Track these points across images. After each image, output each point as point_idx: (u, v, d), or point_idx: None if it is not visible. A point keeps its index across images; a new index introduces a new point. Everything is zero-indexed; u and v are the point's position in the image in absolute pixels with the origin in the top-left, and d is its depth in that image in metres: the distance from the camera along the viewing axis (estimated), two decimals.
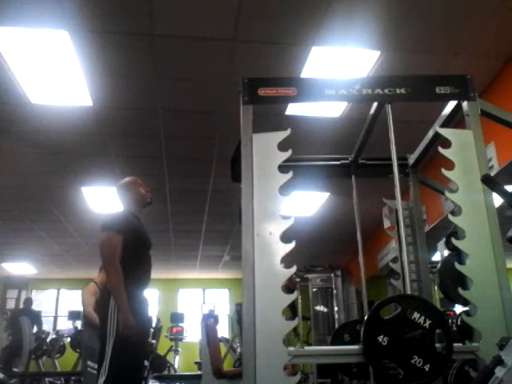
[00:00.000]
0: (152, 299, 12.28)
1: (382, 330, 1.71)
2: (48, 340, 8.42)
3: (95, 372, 4.59)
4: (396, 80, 2.20)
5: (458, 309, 4.52)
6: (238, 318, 7.77)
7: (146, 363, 6.60)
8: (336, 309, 8.27)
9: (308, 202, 6.63)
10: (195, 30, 3.20)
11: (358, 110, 4.02)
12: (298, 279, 8.24)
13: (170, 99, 4.03)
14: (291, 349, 1.76)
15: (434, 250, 4.48)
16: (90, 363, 4.66)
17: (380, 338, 1.69)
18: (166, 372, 7.90)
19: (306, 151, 3.02)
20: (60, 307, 12.10)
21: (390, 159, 2.21)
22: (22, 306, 8.96)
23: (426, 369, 1.67)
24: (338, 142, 4.51)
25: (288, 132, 2.04)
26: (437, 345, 1.71)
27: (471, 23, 3.20)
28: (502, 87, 3.70)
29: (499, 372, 1.31)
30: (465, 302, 1.95)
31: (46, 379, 7.29)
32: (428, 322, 1.71)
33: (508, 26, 3.22)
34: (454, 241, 1.95)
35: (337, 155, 2.96)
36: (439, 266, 2.44)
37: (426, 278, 2.64)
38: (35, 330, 8.11)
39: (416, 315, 1.72)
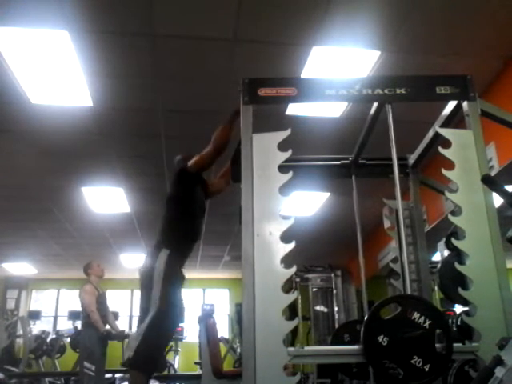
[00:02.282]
0: None
1: (382, 330, 1.71)
2: (48, 340, 8.43)
3: (92, 374, 4.60)
4: (396, 80, 2.20)
5: (458, 309, 4.52)
6: (238, 318, 7.78)
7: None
8: (336, 309, 8.27)
9: (308, 202, 6.63)
10: (195, 29, 3.20)
11: (358, 110, 4.02)
12: (298, 279, 8.24)
13: (170, 99, 4.03)
14: (291, 349, 1.76)
15: (434, 250, 4.48)
16: (86, 364, 4.66)
17: (380, 338, 1.69)
18: (166, 372, 7.90)
19: (306, 151, 3.02)
20: (60, 307, 12.10)
21: (390, 159, 2.21)
22: None
23: (426, 369, 1.67)
24: (338, 142, 4.50)
25: (288, 132, 2.04)
26: (437, 345, 1.71)
27: (471, 23, 3.20)
28: (502, 87, 3.70)
29: (499, 372, 1.31)
30: (465, 302, 1.95)
31: (46, 379, 7.29)
32: (428, 322, 1.71)
33: (508, 25, 3.22)
34: (453, 241, 1.95)
35: (337, 155, 2.96)
36: (439, 266, 2.44)
37: (426, 278, 2.64)
38: None
39: (416, 315, 1.72)
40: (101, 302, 5.06)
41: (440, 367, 1.69)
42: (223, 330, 10.47)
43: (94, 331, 4.82)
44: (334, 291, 8.42)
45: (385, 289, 7.88)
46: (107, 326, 5.00)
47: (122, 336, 5.65)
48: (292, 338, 6.49)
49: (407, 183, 2.81)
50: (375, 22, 3.15)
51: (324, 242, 8.30)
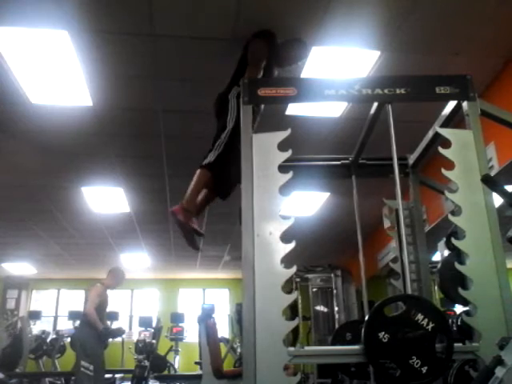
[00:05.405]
0: (152, 299, 12.29)
1: (383, 327, 1.71)
2: (48, 340, 8.43)
3: (90, 373, 4.57)
4: (396, 80, 2.20)
5: (458, 309, 4.53)
6: (238, 318, 7.78)
7: (146, 363, 6.61)
8: (336, 309, 8.28)
9: (308, 202, 6.63)
10: (195, 29, 3.20)
11: (358, 110, 4.02)
12: (298, 279, 8.25)
13: (170, 99, 4.03)
14: (291, 349, 1.76)
15: (434, 250, 4.48)
16: (84, 363, 4.63)
17: (381, 335, 1.69)
18: (166, 372, 7.90)
19: (306, 151, 3.02)
20: (60, 307, 12.10)
21: (390, 159, 2.21)
22: None
23: (424, 371, 1.67)
24: (338, 142, 4.51)
25: (288, 132, 2.04)
26: (437, 345, 1.71)
27: (471, 23, 3.20)
28: (502, 87, 3.70)
29: (499, 372, 1.31)
30: (465, 302, 1.95)
31: (46, 379, 7.29)
32: (431, 325, 1.71)
33: (508, 25, 3.22)
34: (453, 241, 1.95)
35: (337, 155, 2.96)
36: (439, 265, 2.45)
37: (426, 278, 2.64)
38: None
39: (420, 317, 1.72)
40: (103, 304, 5.07)
41: (438, 370, 1.69)
42: (223, 330, 10.46)
43: (90, 329, 4.81)
44: (334, 291, 8.43)
45: (385, 289, 7.88)
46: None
47: (120, 332, 5.67)
48: (293, 338, 6.50)
49: (407, 183, 2.81)
50: (375, 21, 3.15)
51: (324, 241, 8.30)
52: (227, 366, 7.34)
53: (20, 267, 10.50)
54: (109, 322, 5.94)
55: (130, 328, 11.34)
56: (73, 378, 7.36)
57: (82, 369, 4.60)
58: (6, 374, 6.46)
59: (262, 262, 1.85)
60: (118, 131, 4.54)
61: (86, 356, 4.68)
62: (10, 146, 4.78)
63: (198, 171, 2.75)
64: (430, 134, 2.45)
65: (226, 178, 2.71)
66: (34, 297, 12.26)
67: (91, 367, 4.60)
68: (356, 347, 1.79)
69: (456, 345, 1.76)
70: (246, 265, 1.85)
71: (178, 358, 9.46)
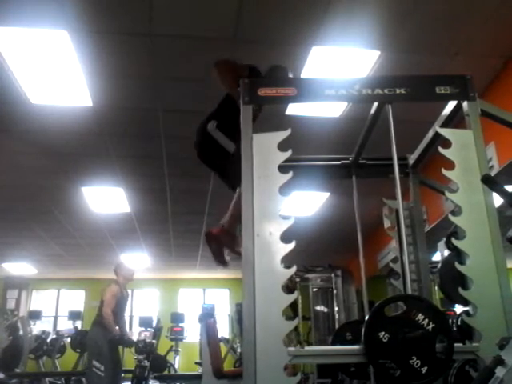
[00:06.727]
0: (152, 299, 12.29)
1: (384, 327, 1.70)
2: (48, 340, 8.43)
3: (101, 373, 4.57)
4: (396, 80, 2.20)
5: (458, 309, 4.52)
6: (238, 318, 7.78)
7: (146, 363, 6.62)
8: (336, 309, 8.27)
9: (308, 202, 6.63)
10: (195, 29, 3.20)
11: (358, 110, 4.02)
12: (298, 279, 8.24)
13: (169, 99, 4.03)
14: (291, 349, 1.76)
15: (434, 250, 4.48)
16: (95, 363, 4.63)
17: (381, 335, 1.69)
18: (166, 372, 7.90)
19: (306, 151, 3.02)
20: (60, 307, 12.10)
21: (390, 159, 2.21)
22: None
23: (423, 371, 1.66)
24: (338, 142, 4.50)
25: (288, 132, 2.03)
26: (437, 345, 1.71)
27: (471, 23, 3.20)
28: (502, 87, 3.70)
29: (499, 372, 1.31)
30: (465, 302, 1.94)
31: (46, 379, 7.29)
32: (431, 326, 1.70)
33: (508, 25, 3.22)
34: (454, 241, 1.95)
35: (337, 155, 2.96)
36: (439, 266, 2.45)
37: (426, 278, 2.64)
38: None
39: (420, 317, 1.71)
40: (120, 304, 4.99)
41: (437, 371, 1.69)
42: (223, 330, 10.47)
43: (102, 331, 4.79)
44: (334, 291, 8.42)
45: (385, 289, 7.88)
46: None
47: (130, 343, 5.67)
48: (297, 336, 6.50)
49: (407, 183, 2.81)
50: (375, 21, 3.15)
51: (324, 242, 8.30)
52: (227, 366, 7.34)
53: (20, 267, 10.50)
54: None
55: (130, 328, 11.33)
56: (72, 378, 7.37)
57: (94, 369, 4.60)
58: (6, 374, 6.46)
59: (262, 262, 1.84)
60: (118, 131, 4.54)
61: (98, 356, 4.67)
62: (10, 145, 4.78)
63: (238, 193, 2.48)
64: (430, 134, 2.45)
65: None
66: (34, 297, 12.26)
67: (102, 367, 4.60)
68: (356, 347, 1.79)
69: (456, 345, 1.76)
70: (246, 265, 1.84)
71: (178, 357, 9.46)
